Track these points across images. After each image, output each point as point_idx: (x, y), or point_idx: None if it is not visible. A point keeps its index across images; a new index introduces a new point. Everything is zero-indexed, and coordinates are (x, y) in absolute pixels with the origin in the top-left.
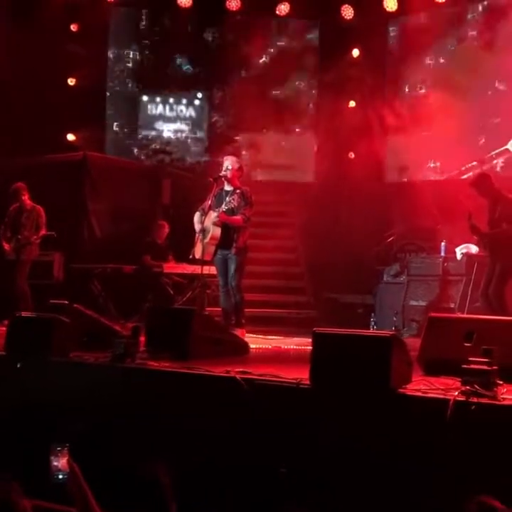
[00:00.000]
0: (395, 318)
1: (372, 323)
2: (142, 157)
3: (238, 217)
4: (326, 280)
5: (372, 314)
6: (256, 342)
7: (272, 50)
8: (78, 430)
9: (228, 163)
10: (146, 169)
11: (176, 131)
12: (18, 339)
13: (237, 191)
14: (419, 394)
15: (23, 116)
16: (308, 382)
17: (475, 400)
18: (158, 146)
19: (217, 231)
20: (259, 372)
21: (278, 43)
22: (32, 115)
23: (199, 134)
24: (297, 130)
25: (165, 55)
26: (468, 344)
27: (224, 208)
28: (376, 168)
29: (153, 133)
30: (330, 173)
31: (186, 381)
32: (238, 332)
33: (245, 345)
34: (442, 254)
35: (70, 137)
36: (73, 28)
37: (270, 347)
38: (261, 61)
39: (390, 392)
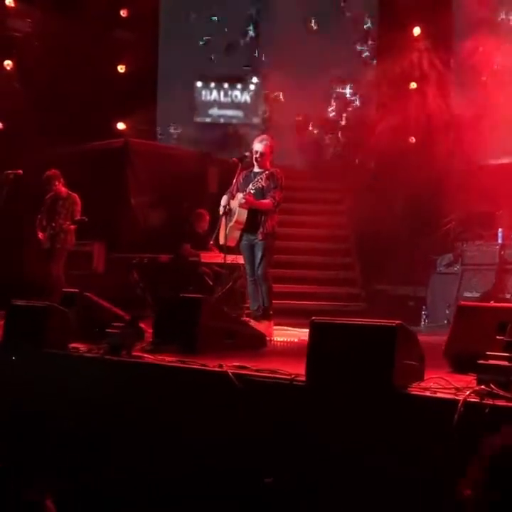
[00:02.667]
0: (447, 311)
1: (424, 316)
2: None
3: (267, 200)
4: (378, 271)
5: (424, 307)
6: (284, 335)
7: None
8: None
9: (260, 145)
10: (191, 156)
11: (230, 118)
12: (14, 329)
13: (266, 172)
14: (427, 393)
15: (73, 105)
16: (304, 378)
17: (490, 401)
18: None
19: (243, 214)
20: (258, 368)
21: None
22: (82, 104)
23: (255, 120)
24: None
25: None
26: (502, 337)
27: (251, 188)
28: (437, 152)
29: (208, 120)
30: (387, 158)
31: (178, 376)
32: (265, 324)
33: (262, 337)
34: (499, 241)
35: (120, 126)
36: (123, 13)
37: (296, 340)
38: None
39: (392, 391)
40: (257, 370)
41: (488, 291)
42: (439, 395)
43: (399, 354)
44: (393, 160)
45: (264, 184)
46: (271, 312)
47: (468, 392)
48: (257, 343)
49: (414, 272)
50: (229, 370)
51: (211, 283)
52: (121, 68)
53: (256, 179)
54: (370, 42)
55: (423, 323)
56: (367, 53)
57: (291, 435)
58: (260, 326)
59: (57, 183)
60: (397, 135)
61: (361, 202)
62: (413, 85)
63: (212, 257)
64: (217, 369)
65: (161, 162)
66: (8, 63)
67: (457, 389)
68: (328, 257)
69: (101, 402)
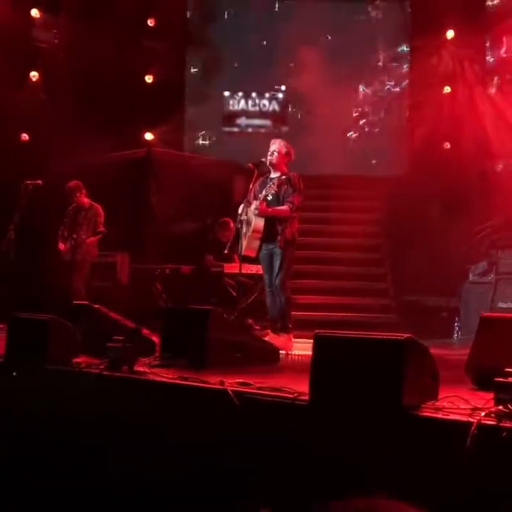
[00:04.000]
0: None
1: (456, 328)
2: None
3: (284, 206)
4: (410, 281)
5: (457, 318)
6: (304, 348)
7: None
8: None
9: (275, 147)
10: (216, 165)
11: (258, 127)
12: (16, 343)
13: (283, 177)
14: (439, 415)
15: (100, 116)
16: (307, 397)
17: (508, 424)
18: None
19: (260, 223)
20: (262, 385)
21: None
22: (108, 115)
23: (284, 129)
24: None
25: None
26: None
27: (265, 194)
28: (474, 158)
29: (235, 129)
30: (421, 165)
31: (177, 393)
32: (284, 338)
33: (274, 351)
34: None
35: (148, 136)
36: (150, 23)
37: None
38: None
39: (400, 413)
40: (258, 388)
41: None
42: (452, 416)
43: (408, 371)
44: (427, 166)
45: (276, 189)
46: (290, 325)
47: (483, 414)
48: (270, 358)
49: (447, 282)
50: (229, 388)
51: (234, 294)
52: (148, 78)
53: (268, 185)
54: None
55: (456, 335)
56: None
57: (289, 460)
58: (278, 340)
59: (78, 194)
60: (431, 141)
61: (393, 210)
62: (447, 89)
63: (235, 268)
64: (216, 386)
65: (185, 171)
66: (34, 74)
67: (474, 409)
68: (359, 267)
69: (98, 419)
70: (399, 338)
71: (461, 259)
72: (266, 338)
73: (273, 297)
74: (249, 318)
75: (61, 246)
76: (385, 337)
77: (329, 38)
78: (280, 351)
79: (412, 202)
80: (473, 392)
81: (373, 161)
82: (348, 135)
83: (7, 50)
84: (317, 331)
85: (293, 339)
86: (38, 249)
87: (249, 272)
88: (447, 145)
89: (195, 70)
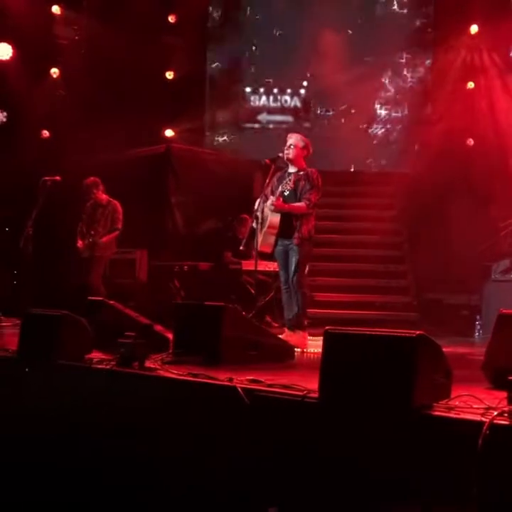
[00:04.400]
0: None
1: (478, 326)
2: None
3: (301, 203)
4: (431, 279)
5: (478, 317)
6: (318, 346)
7: None
8: None
9: (292, 141)
10: (236, 162)
11: (280, 123)
12: (28, 339)
13: (300, 173)
14: (451, 414)
15: (120, 112)
16: (317, 395)
17: None
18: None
19: (276, 218)
20: (273, 383)
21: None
22: (129, 111)
23: (305, 125)
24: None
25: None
26: None
27: (279, 190)
28: (497, 154)
29: (257, 125)
30: (443, 161)
31: (187, 390)
32: (299, 335)
33: (289, 349)
34: None
35: (169, 133)
36: (171, 19)
37: None
38: None
39: (411, 411)
40: (269, 385)
41: None
42: (464, 416)
43: (420, 369)
44: (450, 162)
45: (293, 185)
46: (306, 322)
47: (495, 413)
48: (284, 355)
49: (469, 280)
50: (238, 385)
51: (253, 292)
52: (169, 75)
53: (285, 180)
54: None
55: (477, 333)
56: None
57: (297, 459)
58: (294, 337)
59: (96, 191)
60: (454, 136)
61: (414, 207)
62: (470, 85)
63: (253, 265)
64: (225, 383)
65: (204, 168)
66: (54, 71)
67: (488, 409)
68: (379, 265)
69: (108, 416)
70: (411, 335)
71: (484, 256)
72: (282, 336)
73: (289, 294)
74: (268, 315)
75: (79, 243)
76: (396, 334)
77: (350, 32)
78: (295, 349)
79: (433, 198)
80: (490, 391)
81: (395, 158)
82: (370, 131)
83: (28, 46)
84: (327, 327)
85: (309, 337)
86: (55, 246)
87: (267, 269)
88: (471, 141)
89: (216, 64)
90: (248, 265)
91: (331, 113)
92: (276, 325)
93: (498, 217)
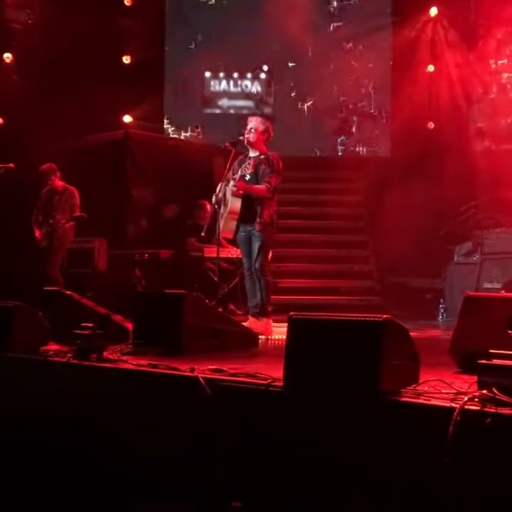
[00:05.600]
0: None
1: (441, 309)
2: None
3: (261, 186)
4: (394, 263)
5: (441, 300)
6: (283, 333)
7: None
8: None
9: (252, 124)
10: (196, 147)
11: (241, 108)
12: None
13: (261, 157)
14: (420, 400)
15: (76, 97)
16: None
17: (492, 409)
18: None
19: (237, 203)
20: (236, 372)
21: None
22: (85, 96)
23: (266, 111)
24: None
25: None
26: None
27: (239, 174)
28: (457, 137)
29: (217, 111)
30: (404, 145)
31: (147, 381)
32: (263, 322)
33: (252, 336)
34: None
35: (126, 119)
36: (127, 2)
37: None
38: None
39: (378, 397)
40: (232, 375)
41: (509, 282)
42: (433, 401)
43: (386, 354)
44: (411, 146)
45: (253, 169)
46: (270, 309)
47: (466, 398)
48: (248, 343)
49: (431, 263)
50: (200, 375)
51: (216, 279)
52: (126, 59)
53: (245, 164)
54: None
55: (441, 317)
56: None
57: (261, 450)
58: (258, 324)
59: (53, 177)
60: (415, 121)
61: (377, 191)
62: (430, 68)
63: (215, 252)
64: (187, 374)
65: (163, 154)
66: (7, 56)
67: (457, 394)
68: (342, 250)
69: (65, 410)
70: (376, 319)
71: (446, 240)
72: (246, 323)
73: (252, 281)
74: (231, 303)
75: (37, 232)
76: (361, 318)
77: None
78: (259, 336)
79: (395, 183)
80: (458, 375)
81: (357, 143)
82: (333, 116)
83: None
84: (291, 313)
85: (273, 323)
86: (10, 235)
87: (230, 256)
88: (431, 125)
89: (174, 48)
90: (210, 252)
91: (293, 97)
92: (240, 313)
93: (459, 201)
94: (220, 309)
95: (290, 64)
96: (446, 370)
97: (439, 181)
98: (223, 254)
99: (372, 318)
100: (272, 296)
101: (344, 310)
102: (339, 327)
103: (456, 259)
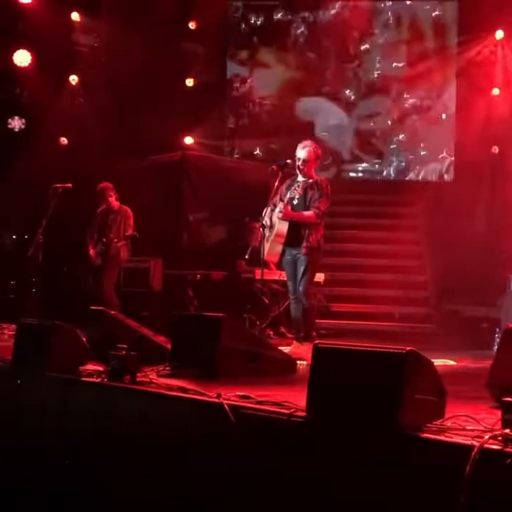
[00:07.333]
0: None
1: (497, 339)
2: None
3: (310, 212)
4: (451, 290)
5: (497, 329)
6: None
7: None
8: None
9: (304, 155)
10: (253, 169)
11: None
12: (22, 350)
13: (310, 181)
14: (441, 437)
15: (139, 119)
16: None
17: None
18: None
19: (284, 227)
20: (264, 399)
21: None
22: (148, 118)
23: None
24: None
25: None
26: None
27: (287, 197)
28: None
29: None
30: (468, 170)
31: (174, 406)
32: (306, 347)
33: (290, 362)
34: None
35: (188, 140)
36: (192, 25)
37: None
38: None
39: (398, 432)
40: (258, 402)
41: None
42: (455, 438)
43: (409, 387)
44: (473, 171)
45: (302, 192)
46: (314, 333)
47: (486, 437)
48: (286, 368)
49: (488, 291)
50: (225, 402)
51: (267, 301)
52: (189, 81)
53: (294, 187)
54: None
55: (496, 347)
56: None
57: (280, 482)
58: (301, 349)
59: (109, 197)
60: (479, 144)
61: (436, 216)
62: (495, 91)
63: (267, 274)
64: (213, 399)
65: (220, 175)
66: (73, 78)
67: (484, 431)
68: (400, 275)
69: (97, 431)
70: (400, 351)
71: (503, 267)
72: (290, 348)
73: (297, 305)
74: (282, 326)
75: (91, 251)
76: (385, 350)
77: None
78: (301, 362)
79: (455, 208)
80: (493, 410)
81: (417, 167)
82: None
83: (47, 53)
84: (318, 341)
85: None
86: (66, 254)
87: (281, 278)
88: (495, 149)
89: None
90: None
91: None
92: (290, 336)
93: None
94: (271, 331)
95: None
96: (484, 403)
97: (499, 207)
98: (275, 276)
99: (395, 350)
100: (324, 321)
101: (396, 337)
102: (362, 358)
103: (511, 288)
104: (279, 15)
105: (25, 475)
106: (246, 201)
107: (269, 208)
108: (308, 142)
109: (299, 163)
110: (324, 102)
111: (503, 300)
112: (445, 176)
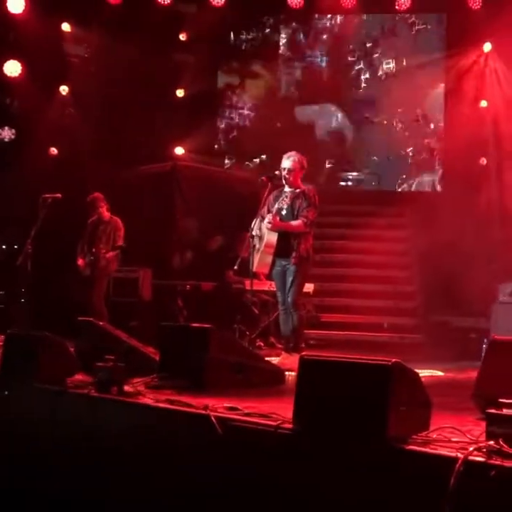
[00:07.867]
0: None
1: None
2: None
3: (298, 221)
4: (438, 301)
5: (485, 340)
6: None
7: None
8: None
9: (289, 165)
10: (243, 179)
11: None
12: (10, 361)
13: (297, 191)
14: (426, 449)
15: (129, 130)
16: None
17: (498, 462)
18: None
19: (273, 237)
20: (251, 411)
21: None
22: (138, 129)
23: None
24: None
25: None
26: None
27: (276, 207)
28: (510, 174)
29: None
30: (457, 181)
31: (160, 418)
32: (295, 358)
33: (279, 373)
34: None
35: (179, 151)
36: (182, 37)
37: None
38: None
39: (384, 444)
40: (245, 414)
41: None
42: (439, 450)
43: (394, 399)
44: (461, 182)
45: (290, 202)
46: (302, 344)
47: (471, 449)
48: (274, 379)
49: (477, 302)
50: (212, 414)
51: (257, 311)
52: (180, 92)
53: (282, 198)
54: None
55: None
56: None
57: (267, 493)
58: (290, 360)
59: (100, 207)
60: (467, 156)
61: (425, 227)
62: (483, 104)
63: (257, 285)
64: (200, 411)
65: (211, 186)
66: (63, 88)
67: (469, 443)
68: (388, 285)
69: (83, 442)
70: (385, 363)
71: (491, 277)
72: (279, 358)
73: (286, 315)
74: (272, 336)
75: (80, 261)
76: (370, 362)
77: None
78: (288, 372)
79: (444, 218)
80: (479, 422)
81: (403, 176)
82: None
83: (37, 63)
84: (304, 353)
85: None
86: (55, 264)
87: (271, 288)
88: (483, 160)
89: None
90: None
91: None
92: (279, 346)
93: (506, 238)
94: (261, 342)
95: None
96: (470, 415)
97: (486, 218)
98: (264, 287)
99: (381, 362)
100: (314, 331)
101: (385, 348)
102: (348, 370)
103: (501, 298)
104: (269, 27)
105: (15, 484)
106: (236, 211)
107: (258, 219)
108: (293, 153)
109: (284, 173)
110: (314, 112)
111: (492, 310)
112: (437, 187)
